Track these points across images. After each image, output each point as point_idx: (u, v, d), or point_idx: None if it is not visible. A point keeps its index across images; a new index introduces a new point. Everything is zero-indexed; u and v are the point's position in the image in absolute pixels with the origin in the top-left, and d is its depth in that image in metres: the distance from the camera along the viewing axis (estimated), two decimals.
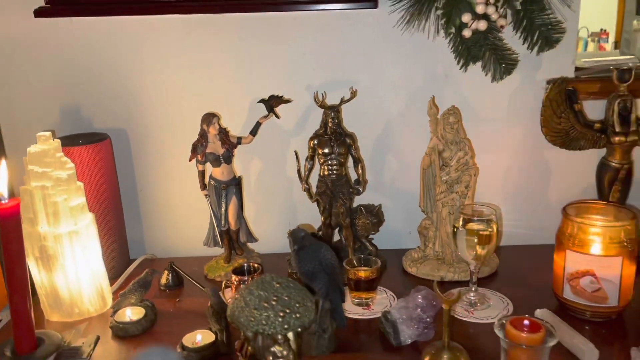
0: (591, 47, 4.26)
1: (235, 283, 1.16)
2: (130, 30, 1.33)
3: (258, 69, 1.36)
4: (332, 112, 1.22)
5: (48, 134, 1.10)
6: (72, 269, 1.11)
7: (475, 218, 1.11)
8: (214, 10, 1.29)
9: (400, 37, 1.30)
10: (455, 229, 1.11)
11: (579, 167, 1.36)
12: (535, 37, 1.22)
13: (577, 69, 1.37)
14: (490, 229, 1.09)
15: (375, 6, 1.24)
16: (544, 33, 1.21)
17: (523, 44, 1.24)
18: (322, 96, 1.24)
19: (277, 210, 1.46)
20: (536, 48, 1.22)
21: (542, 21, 1.21)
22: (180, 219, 1.47)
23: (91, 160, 1.24)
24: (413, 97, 1.37)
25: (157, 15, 1.30)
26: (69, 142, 1.23)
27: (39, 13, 1.27)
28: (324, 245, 0.98)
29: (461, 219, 1.10)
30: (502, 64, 1.22)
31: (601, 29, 4.25)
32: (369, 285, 1.15)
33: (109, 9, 1.25)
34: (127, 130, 1.41)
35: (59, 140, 1.13)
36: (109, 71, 1.36)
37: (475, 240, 1.09)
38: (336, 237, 1.36)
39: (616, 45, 4.51)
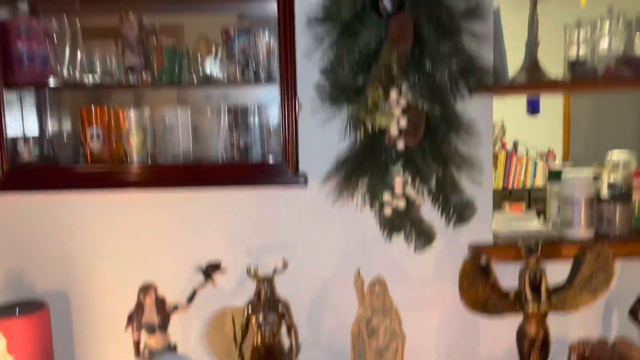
0: (540, 165, 4.56)
1: None
2: (74, 202, 1.41)
3: (199, 237, 1.44)
4: (265, 282, 1.29)
5: None
6: None
7: None
8: (160, 185, 1.37)
9: (330, 207, 1.41)
10: None
11: (506, 328, 1.43)
12: (450, 213, 1.33)
13: (495, 234, 1.49)
14: None
15: (306, 185, 1.36)
16: (458, 210, 1.33)
17: (441, 217, 1.36)
18: (254, 269, 1.31)
19: None
20: (452, 223, 1.34)
21: (456, 200, 1.34)
22: None
23: (26, 333, 1.26)
24: (347, 260, 1.46)
25: (100, 189, 1.39)
26: (3, 313, 1.25)
27: None
28: None
29: None
30: (421, 237, 1.33)
31: (549, 149, 4.58)
32: None
33: (57, 184, 1.33)
34: (67, 291, 1.44)
35: None
36: (52, 239, 1.42)
37: None
38: None
39: (564, 164, 4.82)
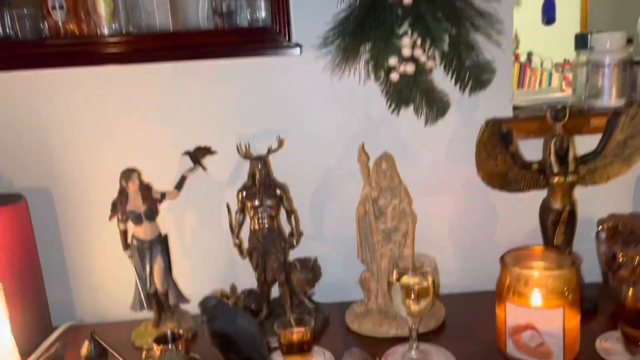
0: (556, 77, 4.34)
1: (157, 354, 1.06)
2: (47, 83, 1.27)
3: (184, 120, 1.30)
4: (259, 162, 1.16)
5: None
6: None
7: (409, 271, 1.04)
8: (135, 59, 1.23)
9: (329, 82, 1.25)
10: (389, 284, 1.04)
11: (525, 208, 1.31)
12: (465, 79, 1.18)
13: (515, 107, 1.34)
14: (425, 282, 1.02)
15: (300, 54, 1.20)
16: (474, 74, 1.17)
17: (455, 86, 1.20)
18: (246, 147, 1.18)
19: (214, 265, 1.38)
20: (467, 89, 1.18)
21: (472, 62, 1.18)
22: (111, 280, 1.38)
23: (1, 225, 1.15)
24: (350, 142, 1.32)
25: (75, 67, 1.25)
26: None
27: None
28: (240, 313, 0.90)
29: (395, 272, 1.03)
30: (433, 107, 1.18)
31: (565, 60, 4.34)
32: (302, 348, 1.07)
33: (21, 62, 1.19)
34: (50, 188, 1.33)
35: None
36: (27, 127, 1.29)
37: (412, 296, 1.01)
38: None
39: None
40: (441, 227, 1.37)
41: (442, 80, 1.21)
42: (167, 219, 1.33)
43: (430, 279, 1.02)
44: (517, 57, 4.38)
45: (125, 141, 1.31)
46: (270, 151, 1.19)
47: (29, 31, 1.19)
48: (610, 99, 1.32)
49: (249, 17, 1.20)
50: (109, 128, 1.30)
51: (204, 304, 0.88)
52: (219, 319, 0.87)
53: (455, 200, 1.35)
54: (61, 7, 1.17)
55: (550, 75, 4.32)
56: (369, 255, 1.21)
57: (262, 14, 1.19)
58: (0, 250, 1.15)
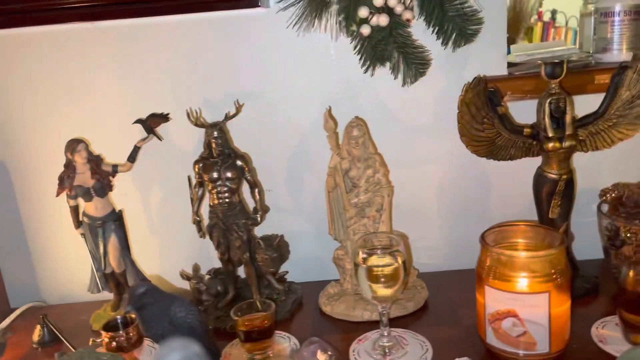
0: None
1: (105, 341, 0.98)
2: None
3: (139, 86, 1.18)
4: (214, 130, 1.05)
5: None
6: None
7: (378, 251, 0.93)
8: (83, 17, 1.12)
9: (297, 39, 1.12)
10: (355, 265, 0.93)
11: (519, 178, 1.17)
12: (448, 31, 1.03)
13: (513, 64, 1.19)
14: (395, 264, 0.90)
15: (260, 5, 1.07)
16: (459, 25, 1.02)
17: (437, 40, 1.06)
18: (197, 113, 1.06)
19: (183, 243, 1.28)
20: (450, 43, 1.04)
21: (456, 11, 1.03)
22: (75, 259, 1.29)
23: None
24: (325, 106, 1.19)
25: (20, 28, 1.14)
26: None
27: None
28: (176, 300, 0.80)
29: (360, 253, 0.92)
30: (411, 64, 1.04)
31: None
32: (262, 335, 0.97)
33: None
34: (4, 162, 1.24)
35: None
36: None
37: (381, 280, 0.90)
38: None
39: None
40: (425, 200, 1.24)
41: (422, 33, 1.07)
42: (131, 193, 1.24)
43: (400, 260, 0.90)
44: (540, 15, 4.13)
45: (80, 108, 1.20)
46: (227, 117, 1.07)
47: None
48: (621, 52, 1.16)
49: None
50: (62, 95, 1.19)
51: (132, 291, 0.78)
52: (149, 307, 0.77)
53: (440, 170, 1.22)
54: None
55: (576, 33, 4.06)
56: (342, 231, 1.10)
57: None
58: None
